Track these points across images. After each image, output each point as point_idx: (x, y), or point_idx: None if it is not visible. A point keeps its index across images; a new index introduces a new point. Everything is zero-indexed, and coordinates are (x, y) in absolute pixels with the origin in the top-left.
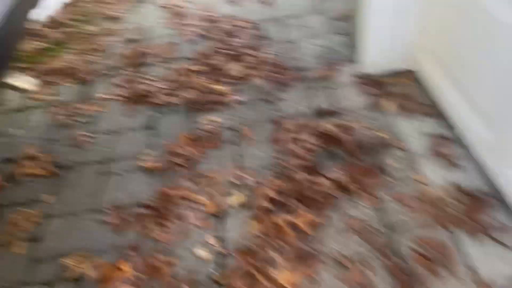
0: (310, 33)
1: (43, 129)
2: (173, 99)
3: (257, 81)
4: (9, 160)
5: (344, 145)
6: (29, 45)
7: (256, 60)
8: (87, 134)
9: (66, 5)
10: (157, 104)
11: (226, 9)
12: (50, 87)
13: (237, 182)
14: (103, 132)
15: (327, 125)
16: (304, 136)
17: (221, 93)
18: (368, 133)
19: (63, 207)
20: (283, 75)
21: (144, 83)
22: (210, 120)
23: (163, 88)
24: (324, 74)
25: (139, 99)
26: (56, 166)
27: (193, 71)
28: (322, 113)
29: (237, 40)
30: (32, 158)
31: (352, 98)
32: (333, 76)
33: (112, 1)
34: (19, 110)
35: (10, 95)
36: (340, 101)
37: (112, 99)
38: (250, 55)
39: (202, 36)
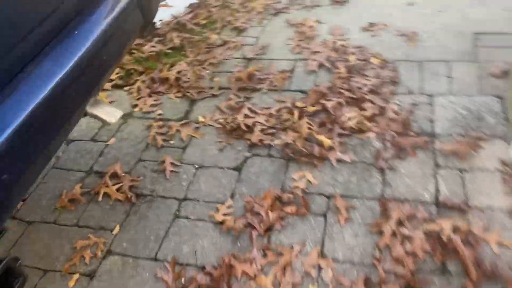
0: (454, 88)
1: (134, 144)
2: (270, 141)
3: (372, 139)
4: (95, 173)
5: (463, 262)
6: (147, 46)
7: (379, 110)
8: (173, 161)
9: (192, 6)
10: (252, 143)
11: (360, 38)
12: (154, 97)
13: (313, 273)
14: (189, 162)
15: (446, 224)
16: (412, 232)
17: (324, 145)
18: (503, 253)
19: (125, 244)
20: (407, 137)
21: (247, 114)
22: (302, 178)
23: (264, 125)
24: (460, 149)
25: (236, 132)
26: (134, 192)
27: (301, 110)
28: (443, 205)
29: (362, 80)
30: (115, 176)
31: (490, 194)
32: (471, 154)
33: (241, 9)
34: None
35: (119, 96)
36: (473, 193)
37: (210, 125)
38: (372, 102)
39: (324, 67)
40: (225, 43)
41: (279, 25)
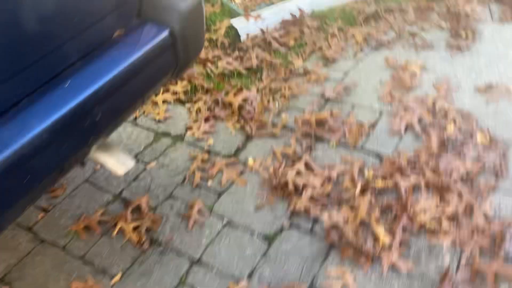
0: None
1: (172, 175)
2: (319, 213)
3: (445, 249)
4: (122, 200)
5: None
6: (224, 61)
7: (465, 209)
8: (202, 209)
9: (285, 23)
10: (296, 210)
11: (470, 102)
12: (211, 122)
13: None
14: (219, 214)
15: None
16: None
17: (378, 241)
18: None
19: None
20: (492, 261)
21: (301, 170)
22: (340, 278)
23: (316, 190)
24: None
25: (282, 190)
26: (150, 236)
27: (368, 182)
28: None
29: (455, 161)
30: (138, 211)
31: None
32: None
33: (338, 35)
34: (166, 134)
35: (178, 113)
36: None
37: (257, 171)
38: (460, 196)
39: (413, 131)
40: (306, 73)
41: (376, 63)
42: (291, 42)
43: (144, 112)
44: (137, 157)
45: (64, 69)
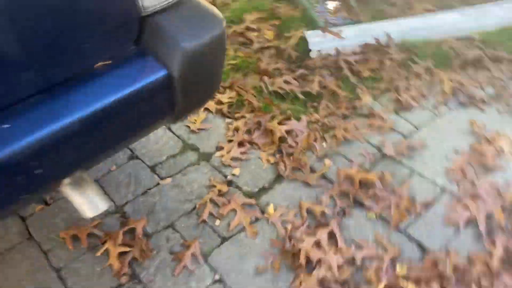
0: None
1: (183, 200)
2: None
3: None
4: (122, 215)
5: None
6: (282, 78)
7: None
8: (197, 255)
9: (366, 47)
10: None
11: None
12: (245, 148)
13: None
14: (213, 266)
15: None
16: None
17: None
18: None
19: None
20: None
21: (321, 242)
22: None
23: (332, 272)
24: None
25: (291, 258)
26: (133, 268)
27: (396, 281)
28: None
29: None
30: (132, 234)
31: None
32: None
33: (423, 77)
34: (194, 149)
35: (215, 126)
36: None
37: (272, 223)
38: None
39: (475, 228)
40: (371, 115)
41: (458, 123)
42: (366, 73)
43: None
44: (155, 168)
45: (16, 102)
